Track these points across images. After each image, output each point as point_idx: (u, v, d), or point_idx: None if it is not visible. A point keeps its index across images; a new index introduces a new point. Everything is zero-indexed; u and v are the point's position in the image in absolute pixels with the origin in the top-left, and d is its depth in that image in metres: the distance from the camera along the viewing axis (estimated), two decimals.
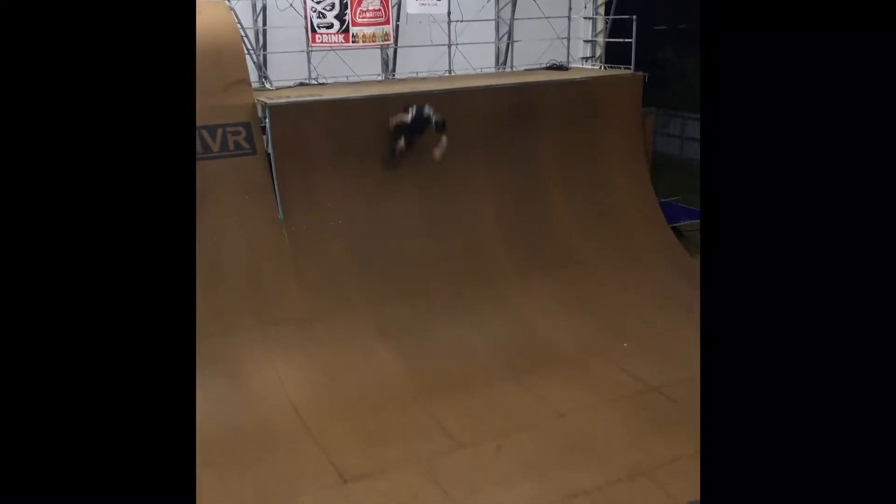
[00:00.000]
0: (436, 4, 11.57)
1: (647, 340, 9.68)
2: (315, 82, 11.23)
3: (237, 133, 9.41)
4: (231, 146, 9.35)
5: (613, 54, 13.14)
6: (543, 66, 13.03)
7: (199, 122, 8.48)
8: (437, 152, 9.78)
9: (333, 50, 11.17)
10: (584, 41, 13.68)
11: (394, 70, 12.17)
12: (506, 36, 12.90)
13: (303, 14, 10.84)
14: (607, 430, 7.76)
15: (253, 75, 10.41)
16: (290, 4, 10.81)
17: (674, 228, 12.51)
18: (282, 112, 9.60)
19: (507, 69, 13.00)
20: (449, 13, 11.77)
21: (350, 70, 11.45)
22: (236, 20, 9.98)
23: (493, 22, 12.73)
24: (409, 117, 9.72)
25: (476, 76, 12.31)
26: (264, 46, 10.99)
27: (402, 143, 9.85)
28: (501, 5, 12.73)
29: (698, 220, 13.66)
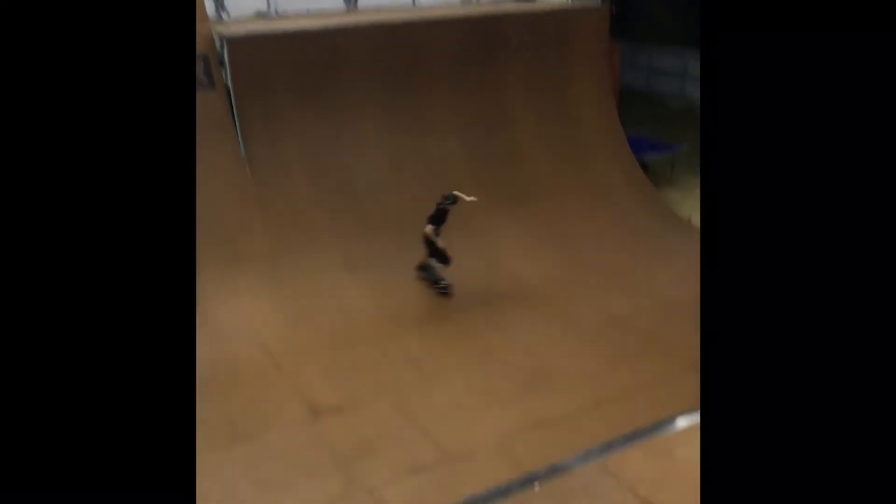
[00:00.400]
0: None
1: (613, 273, 9.80)
2: (275, 14, 10.86)
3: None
4: None
5: None
6: None
7: None
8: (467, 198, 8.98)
9: None
10: None
11: (356, 1, 11.81)
12: None
13: None
14: (573, 361, 7.90)
15: (208, 5, 10.03)
16: None
17: (640, 161, 12.53)
18: (240, 45, 9.29)
19: (473, 1, 12.69)
20: None
21: (310, 1, 11.07)
22: None
23: None
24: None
25: (441, 8, 12.01)
26: None
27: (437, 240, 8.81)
28: None
29: (665, 153, 13.70)
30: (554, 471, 3.05)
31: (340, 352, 7.94)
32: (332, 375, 7.56)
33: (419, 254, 9.16)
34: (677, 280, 9.63)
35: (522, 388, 7.42)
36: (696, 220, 11.54)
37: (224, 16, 10.41)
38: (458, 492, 3.20)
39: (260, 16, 10.73)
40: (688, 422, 3.29)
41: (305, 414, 6.99)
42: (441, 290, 8.93)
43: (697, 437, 3.20)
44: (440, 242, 8.72)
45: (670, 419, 3.28)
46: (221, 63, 9.30)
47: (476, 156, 10.78)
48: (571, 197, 11.01)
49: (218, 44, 9.30)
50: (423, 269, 9.08)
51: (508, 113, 11.26)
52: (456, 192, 8.81)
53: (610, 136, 12.11)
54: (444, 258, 8.85)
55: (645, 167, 12.69)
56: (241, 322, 8.22)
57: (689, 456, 3.08)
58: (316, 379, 7.51)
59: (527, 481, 3.01)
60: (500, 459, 6.21)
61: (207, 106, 9.14)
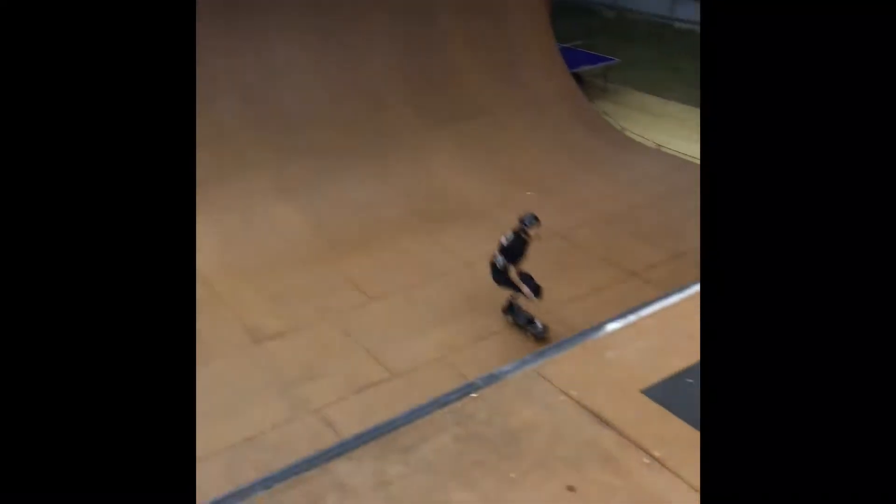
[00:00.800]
0: None
1: (551, 188, 9.85)
2: None
3: None
4: None
5: None
6: None
7: None
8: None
9: None
10: None
11: None
12: None
13: None
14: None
15: None
16: None
17: (574, 74, 12.47)
18: None
19: None
20: None
21: None
22: None
23: None
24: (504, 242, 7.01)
25: None
26: None
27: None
28: None
29: (598, 65, 13.65)
30: (491, 379, 3.12)
31: (279, 277, 7.87)
32: (272, 301, 7.50)
33: (355, 177, 9.03)
34: (614, 192, 9.76)
35: (464, 305, 7.50)
36: (630, 130, 11.64)
37: None
38: (403, 407, 3.26)
39: None
40: (617, 325, 3.39)
41: (247, 341, 6.95)
42: (538, 333, 6.88)
43: (626, 339, 3.32)
44: (515, 273, 6.77)
45: (601, 325, 3.37)
46: None
47: (409, 73, 10.54)
48: (506, 112, 10.92)
49: None
50: (511, 311, 7.18)
51: (441, 31, 10.99)
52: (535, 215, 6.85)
53: (543, 49, 11.97)
54: (534, 289, 6.90)
55: (579, 80, 12.64)
56: None
57: (618, 357, 3.19)
58: (255, 305, 7.44)
59: (465, 391, 3.08)
60: (443, 374, 6.33)
61: None
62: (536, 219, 6.88)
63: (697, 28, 16.66)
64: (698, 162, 10.52)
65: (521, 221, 6.90)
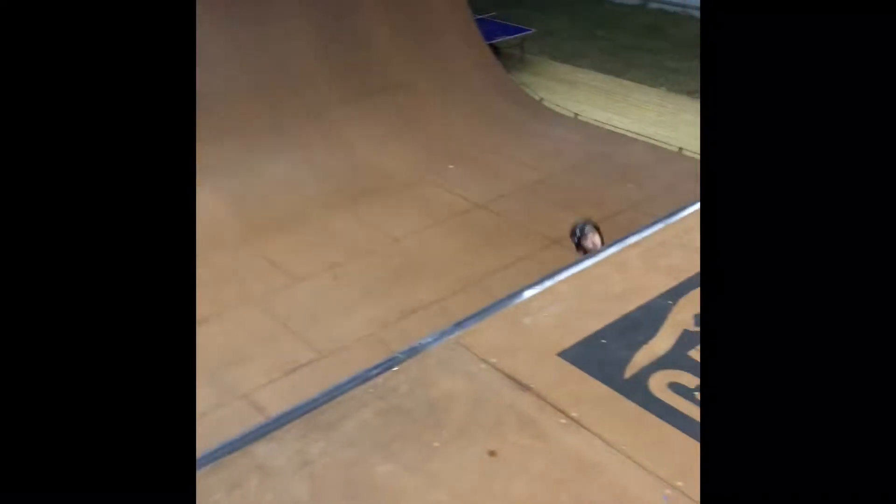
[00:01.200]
0: None
1: (472, 160, 9.91)
2: None
3: None
4: None
5: None
6: None
7: None
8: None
9: None
10: None
11: None
12: None
13: None
14: (439, 249, 8.05)
15: None
16: None
17: (491, 45, 12.51)
18: None
19: None
20: None
21: None
22: None
23: None
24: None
25: None
26: None
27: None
28: None
29: (514, 36, 13.72)
30: (413, 351, 3.14)
31: (199, 262, 7.65)
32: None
33: (273, 157, 8.87)
34: (533, 162, 9.89)
35: (391, 281, 7.52)
36: (548, 100, 11.78)
37: None
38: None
39: None
40: (534, 291, 3.44)
41: None
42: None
43: (543, 305, 3.38)
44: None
45: (519, 291, 3.42)
46: None
47: (324, 47, 10.36)
48: (424, 84, 10.88)
49: None
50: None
51: (356, 3, 10.83)
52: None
53: (459, 21, 11.95)
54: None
55: (496, 51, 12.69)
56: None
57: (536, 322, 3.25)
58: None
59: (387, 365, 3.09)
60: (372, 351, 6.33)
61: None
62: (593, 228, 5.61)
63: None
64: (614, 129, 10.81)
65: (577, 230, 5.65)
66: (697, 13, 15.39)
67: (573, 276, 3.59)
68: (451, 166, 9.74)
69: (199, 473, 2.57)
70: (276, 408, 5.78)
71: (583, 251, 5.48)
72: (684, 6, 15.56)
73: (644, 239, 3.93)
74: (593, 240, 5.54)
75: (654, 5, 16.34)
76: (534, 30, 13.91)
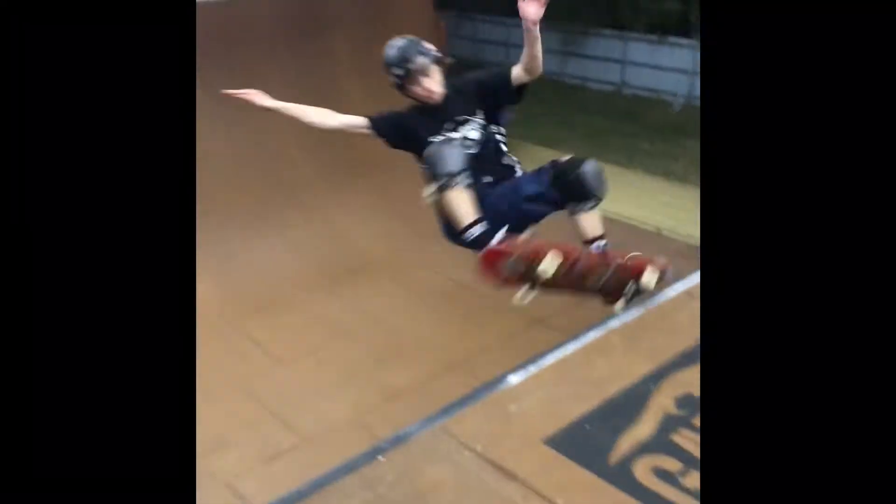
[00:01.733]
0: None
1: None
2: None
3: None
4: None
5: None
6: None
7: None
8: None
9: None
10: None
11: None
12: None
13: None
14: (422, 330, 8.06)
15: None
16: None
17: None
18: None
19: None
20: None
21: None
22: None
23: None
24: None
25: None
26: None
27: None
28: None
29: None
30: (398, 439, 3.15)
31: None
32: None
33: (255, 237, 8.94)
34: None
35: (374, 362, 7.49)
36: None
37: None
38: (316, 473, 3.23)
39: None
40: (519, 377, 3.49)
41: None
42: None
43: (528, 391, 3.42)
44: None
45: (503, 376, 3.47)
46: None
47: (307, 127, 10.54)
48: (403, 163, 11.03)
49: None
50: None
51: (337, 86, 11.10)
52: None
53: None
54: None
55: None
56: None
57: (521, 409, 3.29)
58: None
59: (372, 454, 3.09)
60: (356, 436, 6.26)
61: None
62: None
63: (587, 84, 17.56)
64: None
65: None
66: (669, 98, 15.96)
67: (557, 361, 3.64)
68: (431, 244, 9.81)
69: None
70: (258, 496, 5.66)
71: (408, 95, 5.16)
72: (656, 90, 16.15)
73: (624, 323, 4.01)
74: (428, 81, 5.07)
75: (628, 91, 16.95)
76: (514, 115, 14.29)
